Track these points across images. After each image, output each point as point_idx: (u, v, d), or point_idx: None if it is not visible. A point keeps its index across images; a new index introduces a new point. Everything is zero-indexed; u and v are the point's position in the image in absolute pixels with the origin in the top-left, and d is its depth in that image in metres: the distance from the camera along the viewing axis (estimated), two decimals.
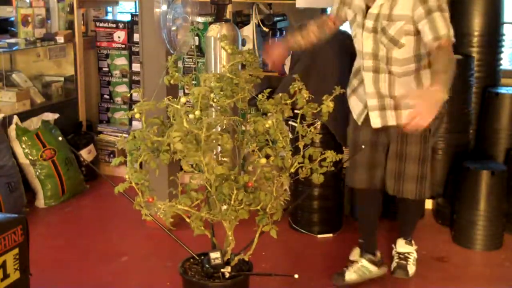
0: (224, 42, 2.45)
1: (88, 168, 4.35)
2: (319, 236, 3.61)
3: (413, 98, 2.40)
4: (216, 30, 3.55)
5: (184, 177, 2.26)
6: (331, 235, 3.63)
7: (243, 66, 2.42)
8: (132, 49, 4.65)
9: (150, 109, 2.16)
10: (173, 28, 3.38)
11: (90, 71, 4.80)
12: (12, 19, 4.47)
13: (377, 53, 2.76)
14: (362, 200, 3.18)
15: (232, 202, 2.11)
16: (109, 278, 3.12)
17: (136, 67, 4.58)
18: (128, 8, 5.21)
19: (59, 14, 4.46)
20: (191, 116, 2.04)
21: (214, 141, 2.07)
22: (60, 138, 4.17)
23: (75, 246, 3.49)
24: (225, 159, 2.20)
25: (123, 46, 4.67)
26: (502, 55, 3.90)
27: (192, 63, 4.37)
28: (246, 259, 2.34)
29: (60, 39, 4.39)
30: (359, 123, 2.95)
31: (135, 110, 2.15)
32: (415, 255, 3.19)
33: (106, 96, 4.83)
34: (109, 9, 5.05)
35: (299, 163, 2.25)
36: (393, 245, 3.26)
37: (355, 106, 2.97)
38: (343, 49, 3.47)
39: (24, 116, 4.04)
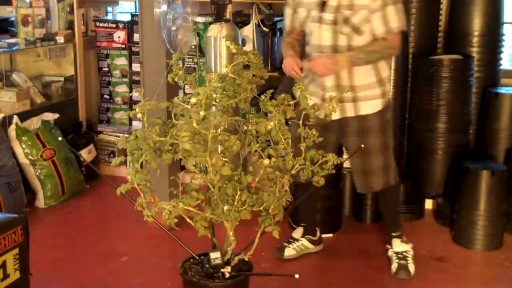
0: (229, 41, 2.45)
1: (88, 168, 4.35)
2: None
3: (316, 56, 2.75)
4: (216, 30, 3.55)
5: (184, 177, 2.26)
6: (331, 235, 3.63)
7: (245, 67, 2.42)
8: (132, 49, 4.65)
9: (152, 109, 2.16)
10: (173, 28, 3.38)
11: (90, 71, 4.80)
12: (12, 19, 4.47)
13: (337, 44, 2.83)
14: (302, 192, 3.22)
15: (235, 202, 2.11)
16: (109, 278, 3.12)
17: (136, 67, 4.58)
18: (128, 8, 5.21)
19: (59, 14, 4.46)
20: (196, 116, 2.04)
21: (219, 142, 2.07)
22: (60, 138, 4.17)
23: (75, 246, 3.49)
24: (226, 159, 2.20)
25: (123, 46, 4.67)
26: (502, 55, 3.90)
27: (193, 63, 4.37)
28: (246, 259, 2.33)
29: (60, 39, 4.39)
30: None
31: (137, 110, 2.14)
32: (412, 252, 3.22)
33: (106, 96, 4.83)
34: (109, 9, 5.05)
35: (300, 165, 2.25)
36: (388, 246, 3.27)
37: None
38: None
39: (24, 116, 4.04)
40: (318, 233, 3.41)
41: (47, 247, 3.39)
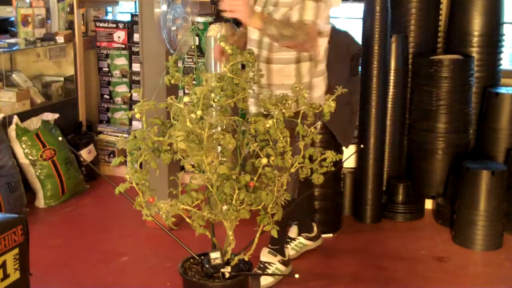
0: (224, 42, 2.45)
1: (88, 168, 4.35)
2: None
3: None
4: (216, 30, 3.56)
5: (184, 177, 2.26)
6: (331, 235, 3.63)
7: (242, 67, 2.42)
8: (132, 49, 4.65)
9: (150, 109, 2.16)
10: (173, 28, 3.38)
11: (90, 71, 4.80)
12: (12, 19, 4.47)
13: (262, 40, 2.78)
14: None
15: (233, 202, 2.11)
16: (109, 278, 3.12)
17: (136, 67, 4.58)
18: (128, 8, 5.21)
19: (59, 14, 4.46)
20: (192, 115, 2.04)
21: (215, 141, 2.07)
22: (60, 138, 4.17)
23: (75, 246, 3.49)
24: (224, 159, 2.20)
25: (123, 46, 4.67)
26: (502, 55, 3.90)
27: (192, 63, 4.37)
28: (246, 259, 2.34)
29: (60, 39, 4.39)
30: None
31: (136, 110, 2.15)
32: (277, 266, 3.07)
33: (106, 96, 4.83)
34: (109, 9, 5.06)
35: (299, 163, 2.25)
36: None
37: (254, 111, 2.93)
38: (343, 50, 3.47)
39: (24, 116, 4.04)
40: (315, 228, 3.39)
41: (47, 247, 3.39)
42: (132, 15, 4.67)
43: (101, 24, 4.71)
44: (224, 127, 2.23)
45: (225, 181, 2.12)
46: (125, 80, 4.74)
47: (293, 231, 3.37)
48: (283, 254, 3.11)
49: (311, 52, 2.78)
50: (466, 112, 3.81)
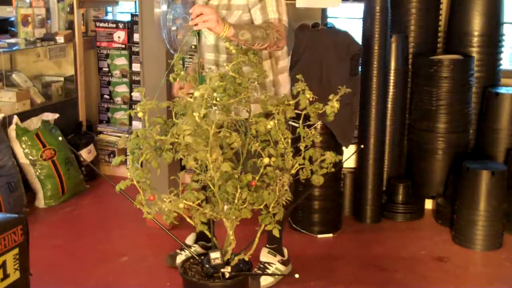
0: (228, 42, 2.45)
1: (88, 168, 4.35)
2: (319, 236, 3.61)
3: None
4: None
5: (184, 177, 2.26)
6: (331, 235, 3.63)
7: None
8: (132, 49, 4.65)
9: (152, 109, 2.16)
10: (173, 28, 3.38)
11: (90, 71, 4.80)
12: (12, 19, 4.47)
13: (218, 45, 2.75)
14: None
15: (236, 201, 2.11)
16: (109, 278, 3.12)
17: (136, 67, 4.58)
18: (128, 8, 5.21)
19: (59, 14, 4.46)
20: (195, 114, 2.04)
21: (221, 139, 2.07)
22: (60, 138, 4.17)
23: (75, 246, 3.49)
24: (226, 158, 2.20)
25: (123, 46, 4.67)
26: (502, 55, 3.90)
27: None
28: (246, 259, 2.33)
29: (60, 39, 4.39)
30: None
31: (138, 109, 2.14)
32: (277, 266, 3.06)
33: (106, 96, 4.83)
34: (109, 9, 5.06)
35: (299, 165, 2.25)
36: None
37: None
38: (343, 50, 3.48)
39: (24, 116, 4.04)
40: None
41: (47, 247, 3.39)
42: (132, 15, 4.67)
43: (101, 24, 4.71)
44: (227, 126, 2.23)
45: (227, 180, 2.12)
46: (125, 80, 4.74)
47: (190, 238, 3.24)
48: (282, 254, 3.11)
49: (283, 50, 2.73)
50: (466, 112, 3.81)
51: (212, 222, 2.36)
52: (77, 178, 4.21)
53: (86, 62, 4.67)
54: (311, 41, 3.52)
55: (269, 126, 2.17)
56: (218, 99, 2.15)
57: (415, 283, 3.11)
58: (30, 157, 3.95)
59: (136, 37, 4.54)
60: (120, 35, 4.66)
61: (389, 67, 3.81)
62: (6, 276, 2.17)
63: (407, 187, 3.89)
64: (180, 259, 3.12)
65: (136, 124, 4.64)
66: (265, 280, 2.98)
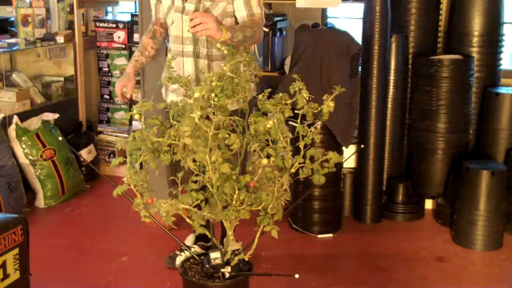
0: (220, 43, 2.45)
1: (88, 168, 4.35)
2: (319, 236, 3.61)
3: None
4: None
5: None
6: (331, 235, 3.63)
7: None
8: (132, 49, 4.64)
9: (149, 110, 2.16)
10: None
11: (90, 71, 4.80)
12: (12, 19, 4.47)
13: (198, 38, 2.75)
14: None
15: (233, 202, 2.11)
16: (109, 278, 3.12)
17: None
18: (128, 8, 5.21)
19: (59, 14, 4.47)
20: (194, 115, 2.04)
21: (221, 140, 2.07)
22: (60, 138, 4.17)
23: (75, 246, 3.49)
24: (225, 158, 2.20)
25: (123, 46, 4.67)
26: (502, 55, 3.90)
27: None
28: (246, 259, 2.33)
29: (60, 39, 4.39)
30: None
31: (134, 111, 2.14)
32: (197, 249, 3.15)
33: (106, 96, 4.83)
34: (109, 9, 5.06)
35: (299, 164, 2.25)
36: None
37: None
38: (344, 50, 3.48)
39: (24, 116, 4.04)
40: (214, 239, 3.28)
41: (47, 247, 3.39)
42: (132, 15, 4.67)
43: (101, 24, 4.71)
44: (225, 126, 2.23)
45: (225, 182, 2.11)
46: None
47: (189, 239, 3.27)
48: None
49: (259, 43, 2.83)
50: (466, 112, 3.81)
51: (211, 223, 2.35)
52: (77, 178, 4.22)
53: (86, 62, 4.67)
54: (311, 41, 3.52)
55: (268, 126, 2.17)
56: (216, 99, 2.15)
57: (415, 283, 3.11)
58: (30, 157, 3.95)
59: (136, 37, 4.54)
60: (120, 35, 4.66)
61: (389, 67, 3.81)
62: (6, 276, 2.17)
63: (407, 187, 3.89)
64: (179, 260, 3.12)
65: (136, 124, 4.65)
66: (179, 260, 3.07)
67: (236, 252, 2.33)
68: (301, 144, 2.26)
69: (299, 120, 2.28)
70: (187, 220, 2.23)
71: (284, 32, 4.31)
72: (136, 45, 4.53)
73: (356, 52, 3.51)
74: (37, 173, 3.97)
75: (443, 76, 3.70)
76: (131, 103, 4.70)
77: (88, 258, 3.33)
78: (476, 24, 3.78)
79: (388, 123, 3.88)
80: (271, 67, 4.27)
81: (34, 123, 4.07)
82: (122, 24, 4.66)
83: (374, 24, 3.64)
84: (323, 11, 4.28)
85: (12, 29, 4.45)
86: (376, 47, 3.66)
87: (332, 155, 2.25)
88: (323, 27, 3.67)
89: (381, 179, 3.87)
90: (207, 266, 2.28)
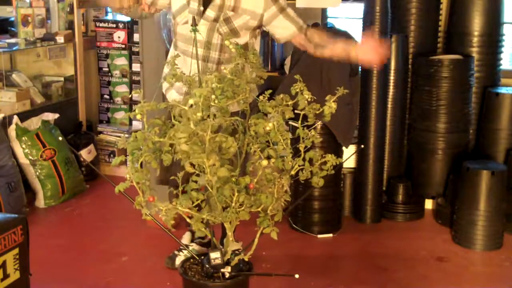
0: (228, 41, 2.45)
1: (88, 168, 4.35)
2: (319, 236, 3.61)
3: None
4: None
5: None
6: (331, 235, 3.63)
7: None
8: (132, 49, 4.65)
9: (151, 110, 2.16)
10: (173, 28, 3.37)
11: (90, 71, 4.80)
12: (12, 19, 4.47)
13: (210, 41, 2.77)
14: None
15: (233, 204, 2.11)
16: (109, 278, 3.12)
17: (136, 67, 4.58)
18: None
19: (59, 14, 4.47)
20: (193, 117, 2.04)
21: (217, 143, 2.06)
22: (60, 138, 4.17)
23: (75, 246, 3.49)
24: (224, 160, 2.19)
25: (123, 46, 4.67)
26: (502, 55, 3.90)
27: None
28: (246, 259, 2.33)
29: (60, 39, 4.39)
30: None
31: (136, 111, 2.14)
32: (194, 247, 3.20)
33: (106, 96, 4.83)
34: (109, 9, 5.05)
35: (299, 166, 2.25)
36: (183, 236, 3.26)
37: (176, 99, 2.82)
38: None
39: (24, 116, 4.05)
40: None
41: (47, 247, 3.39)
42: None
43: (101, 24, 4.71)
44: (225, 127, 2.23)
45: (224, 184, 2.11)
46: (125, 80, 4.74)
47: (186, 238, 3.27)
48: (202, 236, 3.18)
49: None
50: (466, 112, 3.81)
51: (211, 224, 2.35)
52: (77, 178, 4.22)
53: (86, 62, 4.67)
54: None
55: (268, 128, 2.17)
56: (216, 101, 2.15)
57: (415, 283, 3.11)
58: (30, 157, 3.95)
59: (136, 37, 4.54)
60: (120, 35, 4.66)
61: (389, 67, 3.81)
62: (6, 276, 2.17)
63: (407, 187, 3.89)
64: (179, 260, 3.12)
65: (136, 124, 4.65)
66: (179, 260, 3.07)
67: (236, 252, 2.33)
68: (301, 147, 2.26)
69: (300, 122, 2.28)
70: (187, 220, 2.23)
71: None
72: (136, 45, 4.53)
73: None
74: (37, 173, 3.97)
75: (443, 76, 3.70)
76: (131, 103, 4.70)
77: (88, 258, 3.33)
78: (476, 24, 3.78)
79: (388, 123, 3.88)
80: (271, 67, 4.27)
81: (34, 123, 4.07)
82: (122, 24, 4.66)
83: (374, 24, 3.64)
84: (323, 11, 4.28)
85: (12, 29, 4.45)
86: None
87: (329, 158, 2.25)
88: (323, 27, 3.66)
89: (381, 179, 3.87)
90: (207, 266, 2.28)
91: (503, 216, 3.48)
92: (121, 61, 4.71)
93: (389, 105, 3.87)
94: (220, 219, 2.19)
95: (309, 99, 2.25)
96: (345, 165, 3.75)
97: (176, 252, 3.18)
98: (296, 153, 2.28)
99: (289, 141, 2.21)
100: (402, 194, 3.87)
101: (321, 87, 3.36)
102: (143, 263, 3.28)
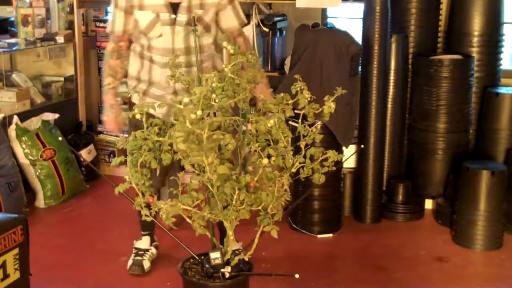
0: (226, 42, 2.45)
1: (88, 168, 4.35)
2: (319, 236, 3.61)
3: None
4: None
5: (184, 177, 2.26)
6: (331, 235, 3.63)
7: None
8: None
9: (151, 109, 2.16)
10: None
11: (90, 71, 4.80)
12: (12, 19, 4.47)
13: (189, 46, 2.78)
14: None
15: (233, 202, 2.11)
16: (109, 278, 3.12)
17: None
18: None
19: (59, 14, 4.47)
20: (192, 116, 2.04)
21: (215, 141, 2.07)
22: (60, 138, 4.17)
23: (75, 246, 3.49)
24: (224, 159, 2.20)
25: None
26: (502, 55, 3.90)
27: None
28: (246, 259, 2.33)
29: (60, 39, 4.39)
30: None
31: (136, 110, 2.14)
32: (153, 250, 3.22)
33: None
34: (109, 9, 5.05)
35: (300, 163, 2.25)
36: (134, 241, 3.25)
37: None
38: (343, 50, 3.47)
39: (24, 116, 4.04)
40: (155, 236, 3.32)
41: (47, 247, 3.39)
42: None
43: (101, 24, 4.70)
44: (226, 127, 2.23)
45: (225, 182, 2.12)
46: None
47: (145, 242, 3.22)
48: (153, 239, 3.25)
49: None
50: (466, 112, 3.81)
51: (211, 223, 2.35)
52: (77, 178, 4.21)
53: (86, 62, 4.67)
54: (311, 41, 3.52)
55: (269, 125, 2.17)
56: (216, 100, 2.16)
57: (415, 283, 3.11)
58: (30, 157, 3.95)
59: None
60: None
61: (389, 67, 3.81)
62: (6, 276, 2.17)
63: (407, 187, 3.89)
64: (146, 264, 3.12)
65: None
66: (147, 264, 3.12)
67: (236, 252, 2.33)
68: (302, 144, 2.26)
69: (300, 120, 2.29)
70: (187, 220, 2.23)
71: (284, 32, 4.31)
72: None
73: (356, 52, 3.51)
74: (37, 173, 3.97)
75: (443, 76, 3.70)
76: (131, 103, 4.70)
77: (88, 258, 3.33)
78: (476, 24, 3.78)
79: (388, 123, 3.88)
80: (271, 67, 4.27)
81: (34, 123, 4.07)
82: None
83: (374, 24, 3.64)
84: (323, 11, 4.28)
85: (12, 29, 4.45)
86: (376, 47, 3.65)
87: (331, 154, 2.25)
88: (323, 27, 3.67)
89: (381, 179, 3.87)
90: (207, 266, 2.28)
91: (503, 216, 3.48)
92: None
93: (389, 105, 3.87)
94: (221, 217, 2.19)
95: (309, 99, 2.26)
96: (345, 165, 3.75)
97: (138, 258, 3.13)
98: (296, 151, 2.28)
99: (290, 139, 2.22)
100: (402, 194, 3.87)
101: (321, 87, 3.36)
102: None
